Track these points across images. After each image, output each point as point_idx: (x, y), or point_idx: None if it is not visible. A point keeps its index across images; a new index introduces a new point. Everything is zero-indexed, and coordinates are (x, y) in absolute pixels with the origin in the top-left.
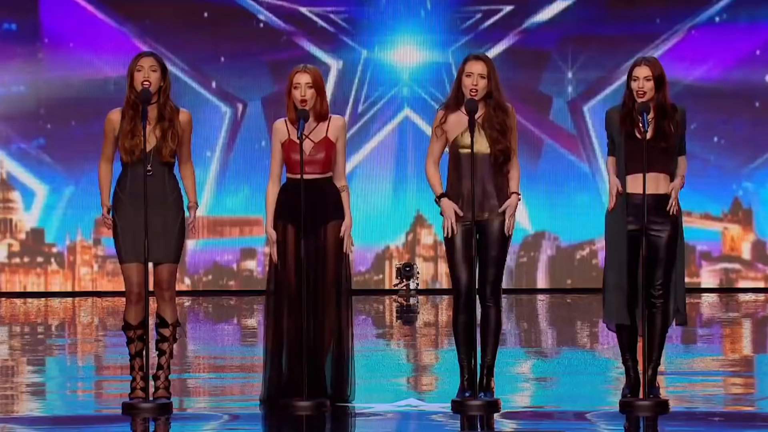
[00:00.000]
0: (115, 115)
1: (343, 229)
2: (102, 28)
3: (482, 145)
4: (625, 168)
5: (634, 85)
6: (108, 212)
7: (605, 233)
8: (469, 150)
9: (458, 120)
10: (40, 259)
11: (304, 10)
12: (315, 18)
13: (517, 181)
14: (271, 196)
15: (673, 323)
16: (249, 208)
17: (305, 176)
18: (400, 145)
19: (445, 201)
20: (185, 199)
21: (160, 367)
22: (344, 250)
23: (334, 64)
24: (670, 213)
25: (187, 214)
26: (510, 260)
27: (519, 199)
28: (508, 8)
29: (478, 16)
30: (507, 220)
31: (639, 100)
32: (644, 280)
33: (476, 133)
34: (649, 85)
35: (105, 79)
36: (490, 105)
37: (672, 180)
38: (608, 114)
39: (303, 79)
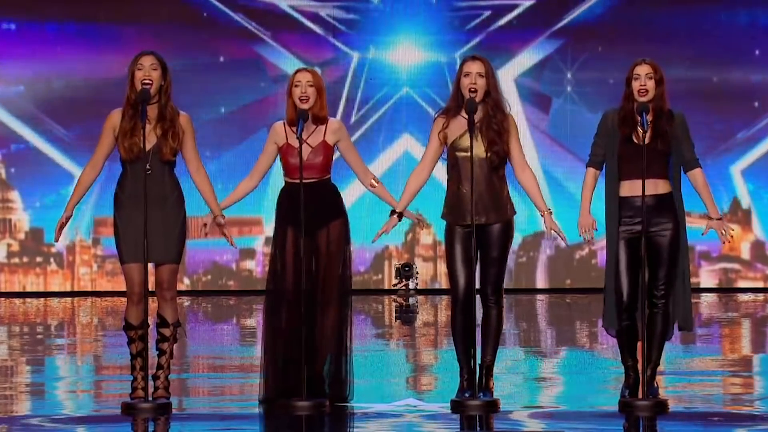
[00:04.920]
0: (116, 115)
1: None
2: (102, 28)
3: (479, 149)
4: (621, 173)
5: (635, 84)
6: (66, 221)
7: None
8: (466, 153)
9: (459, 124)
10: (39, 259)
11: (298, 11)
12: (304, 19)
13: (540, 196)
14: (240, 187)
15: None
16: (247, 208)
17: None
18: (398, 145)
19: (392, 219)
20: (206, 202)
21: (160, 367)
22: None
23: (330, 65)
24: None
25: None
26: (510, 260)
27: (551, 213)
28: (518, 9)
29: (487, 13)
30: (560, 233)
31: (640, 99)
32: (646, 281)
33: (474, 136)
34: (651, 83)
35: (105, 79)
36: (488, 104)
37: (670, 184)
38: (605, 116)
39: (304, 77)
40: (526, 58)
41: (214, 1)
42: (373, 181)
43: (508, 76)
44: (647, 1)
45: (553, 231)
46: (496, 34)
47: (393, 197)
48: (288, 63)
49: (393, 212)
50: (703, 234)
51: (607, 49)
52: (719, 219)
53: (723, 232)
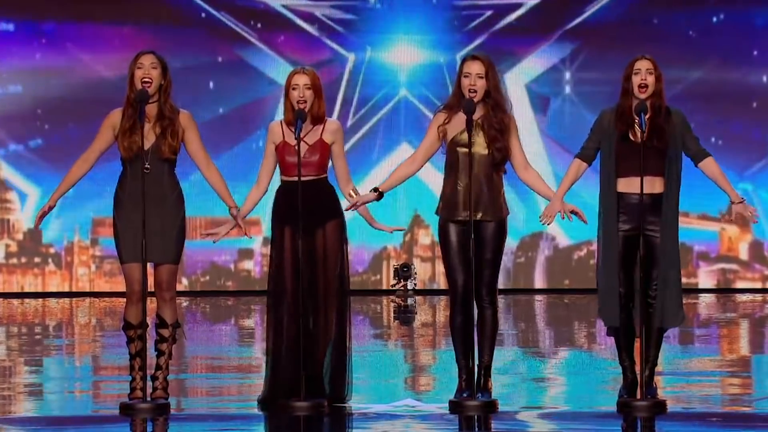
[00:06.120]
0: (116, 114)
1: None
2: (101, 28)
3: (480, 146)
4: (618, 170)
5: (635, 78)
6: (49, 209)
7: (598, 234)
8: (467, 149)
9: (460, 120)
10: (37, 260)
11: (292, 11)
12: (299, 20)
13: (547, 187)
14: (251, 196)
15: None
16: None
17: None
18: (395, 156)
19: (370, 194)
20: (220, 196)
21: (158, 367)
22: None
23: (326, 66)
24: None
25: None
26: (508, 261)
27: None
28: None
29: (489, 13)
30: (577, 211)
31: (640, 95)
32: (641, 281)
33: (475, 133)
34: (652, 78)
35: (103, 79)
36: (489, 104)
37: (666, 182)
38: (602, 114)
39: (301, 80)
40: (530, 61)
41: (212, 1)
42: (351, 191)
43: (512, 80)
44: (647, 2)
45: (573, 213)
46: (498, 34)
47: (368, 211)
48: (284, 63)
49: (375, 189)
50: (732, 219)
51: (607, 49)
52: (741, 202)
53: (749, 214)
